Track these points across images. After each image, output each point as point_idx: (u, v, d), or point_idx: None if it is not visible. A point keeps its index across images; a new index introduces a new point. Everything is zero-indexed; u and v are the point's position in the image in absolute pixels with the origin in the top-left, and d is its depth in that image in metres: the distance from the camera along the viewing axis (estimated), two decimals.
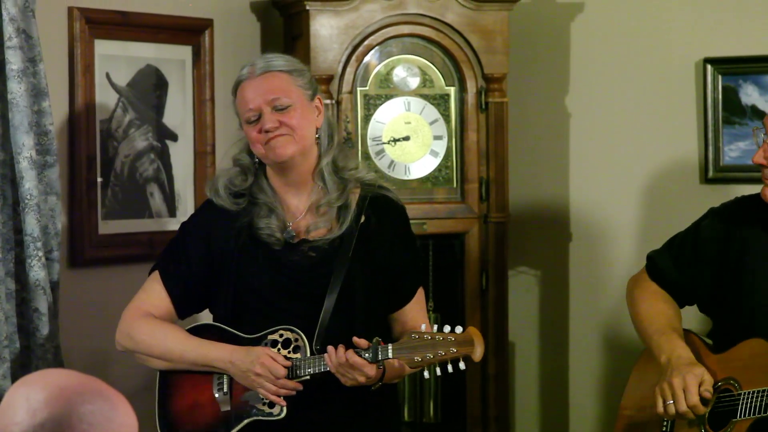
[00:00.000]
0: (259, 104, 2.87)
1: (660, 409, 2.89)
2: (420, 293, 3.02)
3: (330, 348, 2.77)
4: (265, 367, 2.80)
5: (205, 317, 3.16)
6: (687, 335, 3.03)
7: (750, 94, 3.94)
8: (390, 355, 2.74)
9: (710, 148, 4.00)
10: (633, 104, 4.18)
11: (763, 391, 2.78)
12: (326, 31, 3.84)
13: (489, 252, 3.97)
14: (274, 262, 2.90)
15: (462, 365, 2.71)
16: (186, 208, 3.97)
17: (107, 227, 3.75)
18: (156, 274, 3.00)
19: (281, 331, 2.86)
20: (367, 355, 2.74)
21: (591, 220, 4.28)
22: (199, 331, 2.95)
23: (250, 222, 2.92)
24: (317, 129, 2.94)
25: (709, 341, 3.06)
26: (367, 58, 3.90)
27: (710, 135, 3.99)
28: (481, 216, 3.97)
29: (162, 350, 2.94)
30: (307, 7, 3.82)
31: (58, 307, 3.39)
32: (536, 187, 4.36)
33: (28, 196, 3.23)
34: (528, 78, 4.31)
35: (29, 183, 3.23)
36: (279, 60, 2.93)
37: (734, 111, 3.96)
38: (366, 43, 3.88)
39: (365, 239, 2.92)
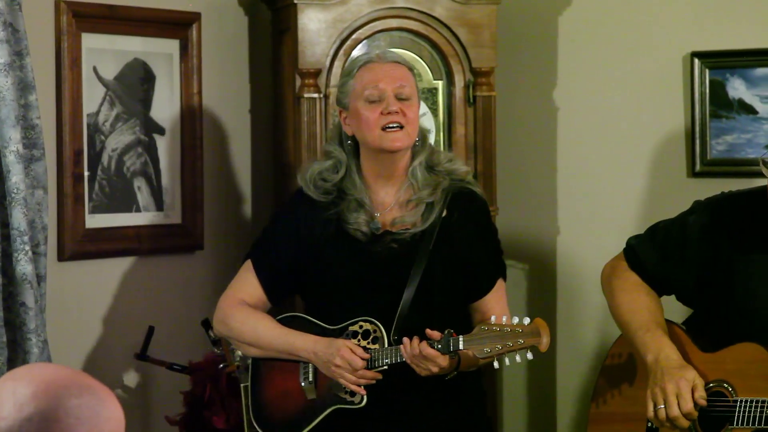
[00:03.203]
0: (386, 87, 2.96)
1: (651, 413, 2.87)
2: (500, 285, 3.12)
3: (405, 339, 2.88)
4: (344, 359, 2.91)
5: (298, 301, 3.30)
6: (671, 328, 3.00)
7: (737, 88, 3.94)
8: (461, 346, 2.85)
9: (697, 142, 4.00)
10: (620, 98, 4.19)
11: (763, 401, 2.75)
12: (314, 24, 3.83)
13: None
14: (356, 254, 3.01)
15: (530, 355, 2.83)
16: (173, 202, 3.97)
17: (94, 221, 3.75)
18: (249, 263, 3.11)
19: (361, 323, 2.96)
20: (439, 346, 2.85)
21: (579, 213, 4.29)
22: (288, 322, 3.07)
23: (338, 213, 3.02)
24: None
25: (683, 327, 3.04)
26: (355, 52, 3.89)
27: (697, 129, 4.00)
28: None
29: (253, 338, 3.06)
30: (295, 1, 3.81)
31: (45, 301, 3.38)
32: (524, 181, 4.36)
33: (15, 190, 3.22)
34: (516, 72, 4.31)
35: (16, 177, 3.22)
36: (399, 55, 3.07)
37: (721, 105, 3.96)
38: (354, 36, 3.88)
39: (446, 233, 3.01)
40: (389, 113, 2.94)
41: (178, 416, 3.68)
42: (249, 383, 3.13)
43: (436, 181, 3.02)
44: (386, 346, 2.92)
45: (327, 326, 3.00)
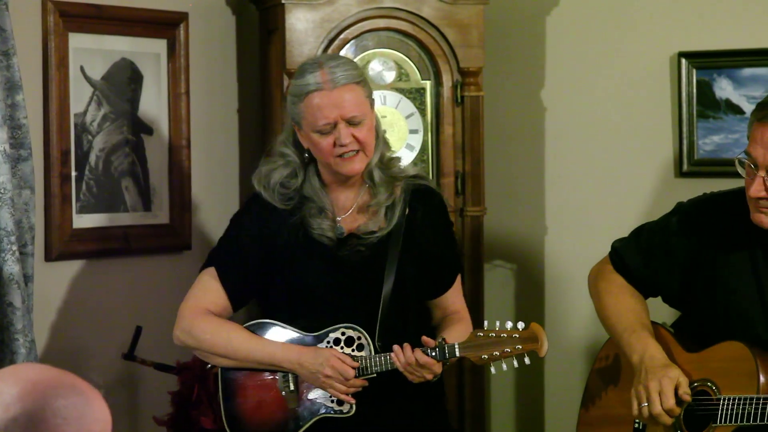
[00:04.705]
0: (335, 118, 2.89)
1: (635, 411, 2.89)
2: (458, 279, 3.11)
3: (396, 347, 2.85)
4: (334, 369, 2.87)
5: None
6: (657, 329, 3.02)
7: (724, 88, 3.95)
8: (457, 353, 2.84)
9: (685, 142, 4.01)
10: (608, 98, 4.19)
11: (746, 398, 2.76)
12: (302, 24, 3.83)
13: (465, 245, 3.97)
14: (328, 260, 2.96)
15: (527, 360, 2.85)
16: (161, 202, 3.96)
17: (82, 221, 3.74)
18: (211, 270, 3.02)
19: (343, 329, 2.92)
20: (434, 353, 2.83)
21: (566, 213, 4.29)
22: (259, 329, 2.98)
23: (302, 219, 2.96)
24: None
25: (669, 328, 3.06)
26: (342, 52, 3.89)
27: (685, 129, 4.01)
28: (457, 210, 3.97)
29: (226, 349, 2.96)
30: (283, 1, 3.81)
31: (32, 302, 3.37)
32: (512, 181, 4.36)
33: (2, 190, 3.22)
34: (504, 72, 4.32)
35: (3, 177, 3.21)
36: (347, 70, 2.93)
37: (708, 105, 3.97)
38: (342, 36, 3.88)
39: (411, 231, 2.99)
40: (343, 145, 2.89)
41: (166, 416, 3.68)
42: (219, 393, 3.03)
43: (392, 180, 2.99)
44: (372, 353, 2.90)
45: (304, 333, 2.95)
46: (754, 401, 2.75)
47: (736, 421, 2.77)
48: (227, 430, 3.01)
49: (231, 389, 3.01)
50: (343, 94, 2.89)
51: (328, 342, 2.92)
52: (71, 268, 3.72)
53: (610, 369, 3.12)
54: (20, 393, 1.57)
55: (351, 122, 2.90)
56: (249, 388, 3.00)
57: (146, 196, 3.93)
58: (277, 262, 2.98)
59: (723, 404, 2.80)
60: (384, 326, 2.92)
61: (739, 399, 2.78)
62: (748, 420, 2.75)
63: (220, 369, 3.02)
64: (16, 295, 3.26)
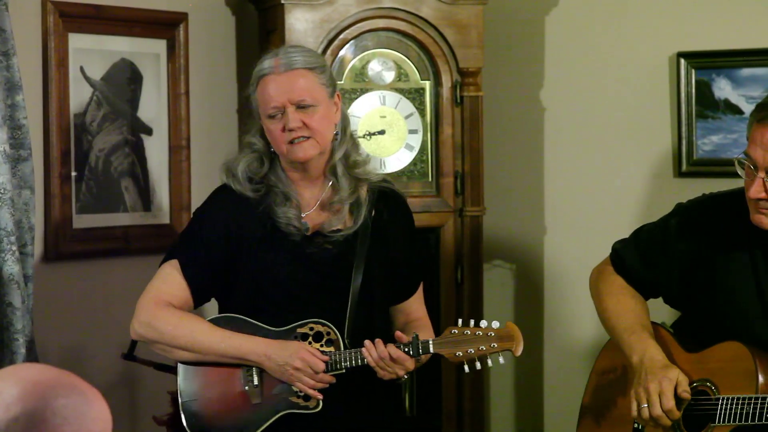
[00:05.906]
0: (284, 102, 2.85)
1: (635, 412, 2.89)
2: (420, 286, 3.09)
3: (367, 342, 2.82)
4: (304, 361, 2.81)
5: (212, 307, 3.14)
6: (656, 330, 3.02)
7: (723, 88, 3.96)
8: (431, 349, 2.82)
9: (684, 142, 4.02)
10: (607, 98, 4.20)
11: (744, 398, 2.77)
12: (301, 25, 3.84)
13: (464, 246, 3.98)
14: (296, 255, 2.91)
15: (501, 359, 2.82)
16: (161, 202, 3.97)
17: (82, 221, 3.74)
18: (174, 262, 2.95)
19: (311, 325, 2.87)
20: (406, 349, 2.81)
21: (566, 213, 4.30)
22: (223, 324, 2.91)
23: (267, 209, 2.91)
24: (335, 125, 2.94)
25: (669, 329, 3.06)
26: (342, 52, 3.90)
27: (684, 129, 4.01)
28: (456, 210, 3.98)
29: (189, 342, 2.88)
30: (282, 1, 3.81)
31: (32, 302, 3.38)
32: (511, 181, 4.37)
33: (2, 191, 3.22)
34: (503, 72, 4.32)
35: (3, 177, 3.22)
36: (303, 56, 2.90)
37: (707, 105, 3.98)
38: (341, 37, 3.89)
39: (378, 233, 2.96)
40: (291, 130, 2.85)
41: (166, 416, 3.68)
42: (178, 388, 2.94)
43: (356, 178, 2.95)
44: (342, 348, 2.85)
45: (270, 328, 2.88)
46: (753, 401, 2.76)
47: (734, 421, 2.77)
48: (186, 427, 2.92)
49: (190, 384, 2.93)
50: (295, 78, 2.86)
51: (296, 337, 2.86)
52: (71, 268, 3.72)
53: (610, 370, 3.13)
54: (20, 393, 1.57)
55: (300, 106, 2.86)
56: (209, 382, 2.92)
57: (146, 197, 3.93)
58: (242, 256, 2.92)
59: (722, 404, 2.81)
60: (352, 323, 2.88)
61: (738, 399, 2.78)
62: (746, 420, 2.76)
63: (178, 364, 2.94)
64: (15, 295, 3.26)
